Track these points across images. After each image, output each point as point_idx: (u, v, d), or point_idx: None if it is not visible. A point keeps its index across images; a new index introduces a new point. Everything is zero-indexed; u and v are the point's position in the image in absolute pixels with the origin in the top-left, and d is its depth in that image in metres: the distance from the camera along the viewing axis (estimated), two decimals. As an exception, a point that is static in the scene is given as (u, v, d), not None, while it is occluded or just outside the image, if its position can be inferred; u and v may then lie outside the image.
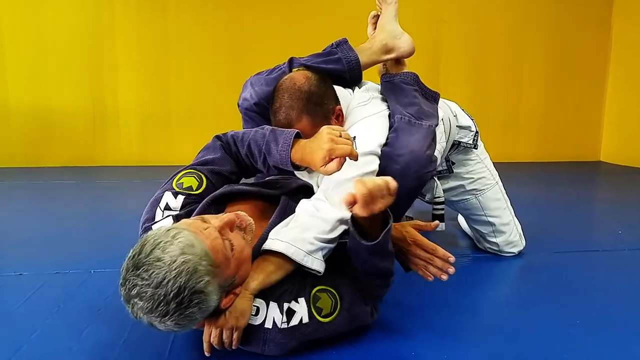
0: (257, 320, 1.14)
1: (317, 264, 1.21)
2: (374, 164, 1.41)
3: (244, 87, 1.64)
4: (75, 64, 4.15)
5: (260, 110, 1.59)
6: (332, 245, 1.26)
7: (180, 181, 1.32)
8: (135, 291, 0.95)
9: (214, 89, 4.34)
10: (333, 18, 4.37)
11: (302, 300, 1.18)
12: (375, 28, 1.84)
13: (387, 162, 1.43)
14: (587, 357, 1.22)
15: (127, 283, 0.96)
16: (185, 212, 1.26)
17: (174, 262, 0.95)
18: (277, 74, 1.59)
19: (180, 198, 1.28)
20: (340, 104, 1.56)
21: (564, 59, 4.95)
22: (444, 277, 1.28)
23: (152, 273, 0.94)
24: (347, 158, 1.22)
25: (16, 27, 4.01)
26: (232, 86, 4.20)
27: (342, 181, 1.34)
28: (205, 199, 1.28)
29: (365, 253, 1.18)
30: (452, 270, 1.27)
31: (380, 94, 1.68)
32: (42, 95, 4.12)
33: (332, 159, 1.19)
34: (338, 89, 1.61)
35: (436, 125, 1.55)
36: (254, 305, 1.15)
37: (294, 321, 1.15)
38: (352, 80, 1.70)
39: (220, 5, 4.30)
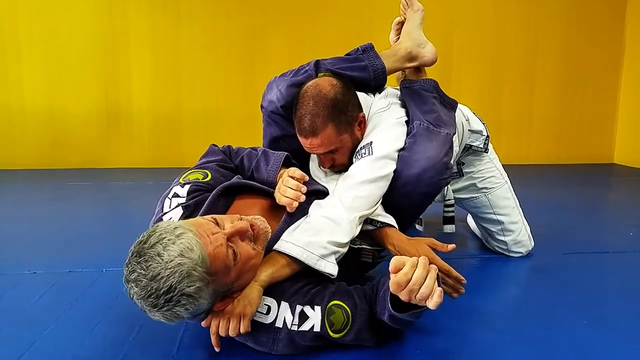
0: (268, 319, 1.16)
1: (330, 268, 1.23)
2: (389, 167, 1.44)
3: (269, 89, 1.61)
4: (89, 68, 4.22)
5: (286, 114, 1.57)
6: (344, 250, 1.28)
7: (187, 177, 1.37)
8: (134, 276, 0.99)
9: (225, 91, 4.37)
10: (344, 22, 4.39)
11: (317, 308, 1.19)
12: (398, 34, 1.84)
13: (403, 167, 1.44)
14: (593, 357, 1.22)
15: (129, 266, 1.01)
16: (194, 201, 1.29)
17: (170, 262, 0.98)
18: (302, 76, 1.58)
19: (187, 187, 1.32)
20: (363, 111, 1.56)
21: (576, 61, 4.91)
22: (455, 295, 1.30)
23: (149, 265, 0.98)
24: (364, 158, 1.41)
25: (32, 31, 4.09)
26: (244, 88, 4.31)
27: (357, 184, 1.37)
28: (216, 189, 1.31)
29: (387, 317, 1.15)
30: (462, 291, 1.30)
31: (400, 99, 1.68)
32: (57, 98, 4.19)
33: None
34: (359, 95, 1.61)
35: (454, 134, 1.54)
36: (265, 304, 1.16)
37: (306, 326, 1.16)
38: (376, 87, 1.70)
39: (232, 7, 4.34)
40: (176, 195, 1.31)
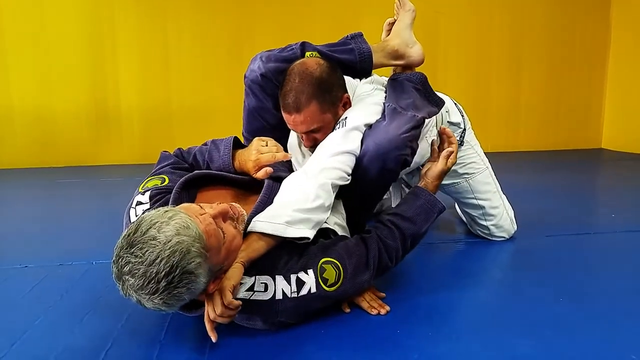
0: (268, 295, 1.20)
1: (301, 233, 1.25)
2: (358, 140, 1.46)
3: (253, 60, 1.63)
4: (76, 65, 4.21)
5: (264, 84, 1.59)
6: (316, 216, 1.30)
7: (145, 186, 1.40)
8: (128, 268, 0.98)
9: (214, 86, 4.39)
10: (332, 18, 4.41)
11: (311, 271, 1.25)
12: (389, 35, 1.85)
13: (363, 140, 1.46)
14: (567, 331, 1.26)
15: (120, 260, 1.00)
16: (159, 205, 1.31)
17: (168, 242, 0.99)
18: (287, 53, 1.60)
19: (147, 193, 1.36)
20: (348, 92, 1.59)
21: (563, 47, 4.94)
22: (382, 311, 1.37)
23: (146, 251, 0.98)
24: (337, 130, 1.47)
25: (18, 29, 4.08)
26: (233, 83, 4.28)
27: (326, 155, 1.40)
28: (177, 184, 1.33)
29: (436, 214, 1.47)
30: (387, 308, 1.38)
31: (384, 87, 1.70)
32: (45, 96, 4.19)
33: (261, 167, 1.39)
34: (345, 78, 1.63)
35: (424, 117, 1.53)
36: (262, 283, 1.21)
37: (304, 291, 1.23)
38: (362, 71, 1.71)
39: (219, 3, 4.35)
40: (139, 203, 1.34)
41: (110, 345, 1.21)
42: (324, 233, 1.37)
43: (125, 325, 1.31)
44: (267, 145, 1.43)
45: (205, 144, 1.54)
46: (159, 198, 1.34)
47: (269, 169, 1.38)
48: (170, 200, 1.29)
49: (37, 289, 1.58)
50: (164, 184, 1.39)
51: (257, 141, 1.45)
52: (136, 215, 1.31)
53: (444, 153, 1.54)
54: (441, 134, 1.62)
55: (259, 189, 1.39)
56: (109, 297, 1.49)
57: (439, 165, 1.53)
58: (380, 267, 1.38)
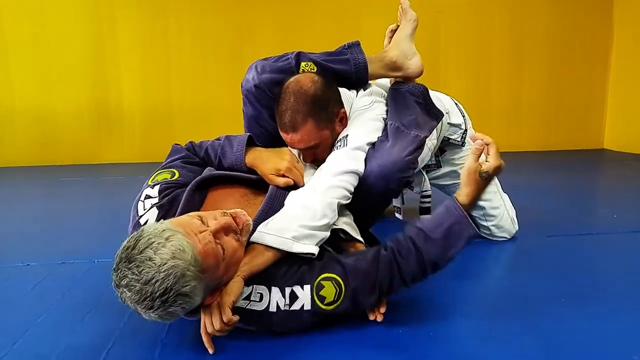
0: (262, 306, 1.19)
1: (307, 249, 1.24)
2: (362, 158, 1.46)
3: (249, 69, 1.63)
4: (77, 64, 4.22)
5: (258, 95, 1.59)
6: (321, 234, 1.29)
7: (155, 179, 1.40)
8: (125, 282, 1.00)
9: (215, 85, 4.39)
10: (332, 18, 4.40)
11: (307, 287, 1.21)
12: (390, 42, 1.83)
13: (366, 161, 1.47)
14: (567, 331, 1.26)
15: (118, 272, 1.01)
16: (167, 199, 1.32)
17: (163, 265, 0.99)
18: (282, 63, 1.59)
19: (157, 187, 1.36)
20: (344, 107, 1.58)
21: (564, 47, 4.93)
22: (379, 318, 1.31)
23: (142, 270, 0.99)
24: (339, 149, 1.47)
25: (19, 29, 4.08)
26: (233, 82, 4.27)
27: (331, 174, 1.40)
28: (191, 184, 1.34)
29: (464, 240, 1.23)
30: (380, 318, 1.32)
31: (384, 99, 1.69)
32: (46, 96, 4.20)
33: (283, 175, 1.41)
34: (342, 91, 1.62)
35: (426, 136, 1.53)
36: (258, 292, 1.20)
37: (296, 306, 1.20)
38: (358, 82, 1.70)
39: (220, 2, 4.35)
40: (148, 197, 1.34)
41: (112, 344, 1.21)
42: (332, 233, 1.35)
43: (127, 324, 1.32)
44: (299, 163, 1.48)
45: (219, 139, 1.54)
46: (167, 192, 1.34)
47: (290, 181, 1.40)
48: (182, 200, 1.29)
49: (38, 287, 1.58)
50: (173, 178, 1.39)
51: (291, 153, 1.48)
52: (144, 209, 1.31)
53: (473, 149, 1.24)
54: (472, 139, 1.55)
55: (267, 189, 1.40)
56: (111, 296, 1.44)
57: (469, 162, 1.24)
58: (391, 290, 1.28)
